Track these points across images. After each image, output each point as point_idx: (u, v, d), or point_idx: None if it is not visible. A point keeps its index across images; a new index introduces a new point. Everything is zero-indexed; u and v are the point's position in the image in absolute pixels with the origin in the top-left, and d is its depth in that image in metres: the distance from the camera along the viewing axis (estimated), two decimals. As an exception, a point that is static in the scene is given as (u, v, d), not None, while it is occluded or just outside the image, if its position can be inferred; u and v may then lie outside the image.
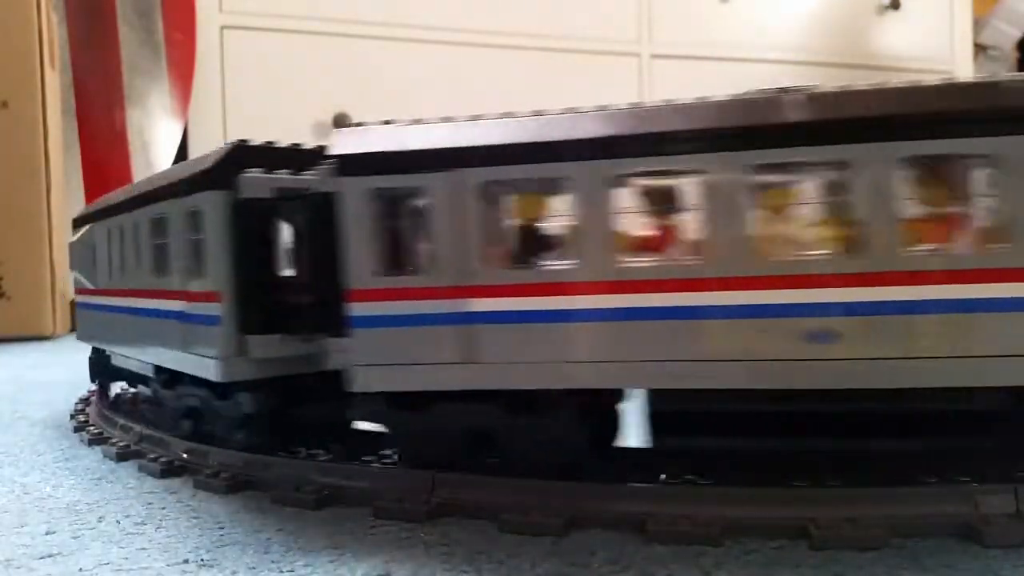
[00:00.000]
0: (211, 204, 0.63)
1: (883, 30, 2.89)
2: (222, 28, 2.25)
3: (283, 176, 0.64)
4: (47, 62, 1.76)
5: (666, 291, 0.51)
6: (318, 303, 0.59)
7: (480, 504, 0.53)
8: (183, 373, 0.69)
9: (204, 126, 2.24)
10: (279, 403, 0.65)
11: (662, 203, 0.54)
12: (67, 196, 2.00)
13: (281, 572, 0.47)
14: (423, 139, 0.56)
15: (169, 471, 0.66)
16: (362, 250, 0.56)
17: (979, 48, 3.13)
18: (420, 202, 0.56)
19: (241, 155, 0.64)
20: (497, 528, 0.52)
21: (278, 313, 0.62)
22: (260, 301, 0.63)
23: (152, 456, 0.69)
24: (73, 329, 2.04)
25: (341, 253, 0.56)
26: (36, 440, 0.83)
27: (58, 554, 0.51)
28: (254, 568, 0.48)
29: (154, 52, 2.11)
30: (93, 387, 1.00)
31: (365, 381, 0.56)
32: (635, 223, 0.54)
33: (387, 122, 0.59)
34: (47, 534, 0.55)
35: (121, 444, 0.73)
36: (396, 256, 0.57)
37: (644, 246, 0.54)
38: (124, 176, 2.08)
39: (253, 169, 0.63)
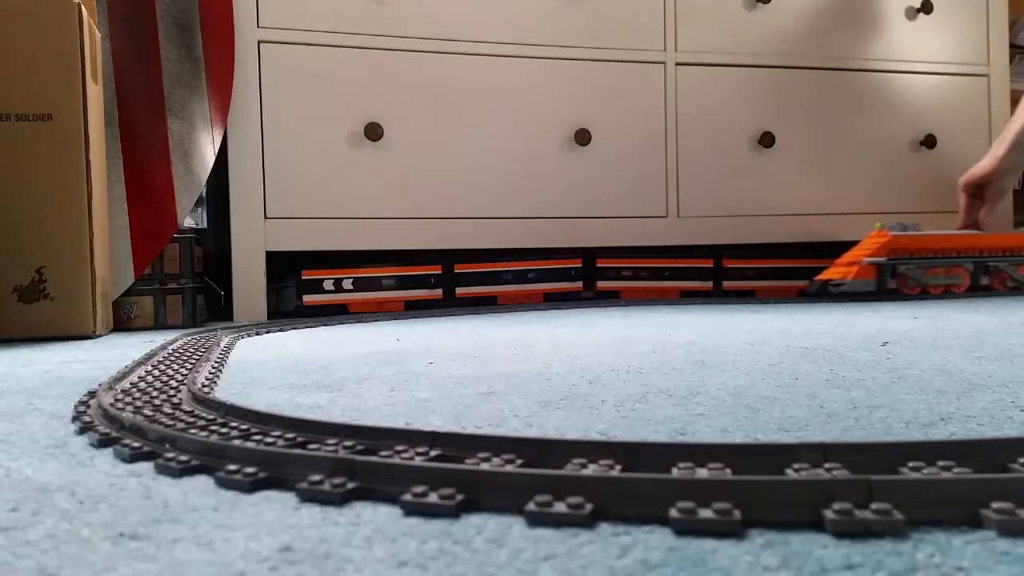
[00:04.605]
0: None
1: (915, 34, 2.84)
2: (259, 43, 2.34)
3: None
4: (89, 76, 1.85)
5: None
6: None
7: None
8: None
9: (242, 136, 2.33)
10: None
11: None
12: (109, 203, 2.10)
13: (198, 546, 0.51)
14: None
15: (138, 456, 0.71)
16: None
17: (1016, 50, 3.05)
18: None
19: None
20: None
21: None
22: None
23: (125, 443, 0.74)
24: (116, 328, 2.12)
25: None
26: (37, 429, 0.89)
27: (13, 528, 0.56)
28: (177, 540, 0.52)
29: (194, 66, 2.20)
30: (104, 380, 1.06)
31: None
32: None
33: None
34: (12, 511, 0.60)
35: (103, 431, 0.79)
36: None
37: None
38: (165, 184, 2.17)
39: None
